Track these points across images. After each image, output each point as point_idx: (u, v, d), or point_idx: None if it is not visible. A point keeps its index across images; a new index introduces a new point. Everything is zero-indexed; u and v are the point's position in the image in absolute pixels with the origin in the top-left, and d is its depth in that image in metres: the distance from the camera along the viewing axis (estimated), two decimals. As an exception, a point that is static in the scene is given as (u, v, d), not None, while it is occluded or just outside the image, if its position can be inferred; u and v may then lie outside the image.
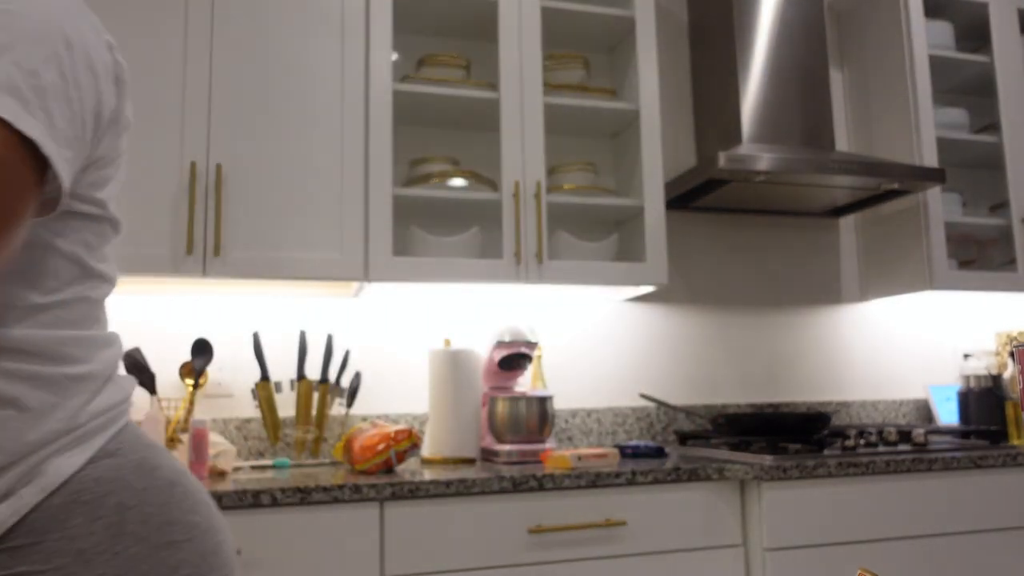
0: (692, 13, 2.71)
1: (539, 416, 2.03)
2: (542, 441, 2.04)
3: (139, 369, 1.94)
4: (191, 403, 2.01)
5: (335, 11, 2.07)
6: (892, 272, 2.63)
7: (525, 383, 2.33)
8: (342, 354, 2.26)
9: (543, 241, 2.11)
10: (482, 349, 2.31)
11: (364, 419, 2.26)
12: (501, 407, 2.03)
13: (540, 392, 2.07)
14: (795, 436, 2.04)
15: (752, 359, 2.64)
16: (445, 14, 2.33)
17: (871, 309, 2.79)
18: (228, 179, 1.94)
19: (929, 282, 2.46)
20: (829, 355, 2.72)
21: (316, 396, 2.18)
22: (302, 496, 1.58)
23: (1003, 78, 2.66)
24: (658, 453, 2.09)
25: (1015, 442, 2.21)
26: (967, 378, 2.42)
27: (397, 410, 2.31)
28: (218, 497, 1.53)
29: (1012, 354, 2.29)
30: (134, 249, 1.85)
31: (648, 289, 2.32)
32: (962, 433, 2.21)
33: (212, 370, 2.18)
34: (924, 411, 2.77)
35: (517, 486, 1.70)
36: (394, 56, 2.44)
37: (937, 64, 2.70)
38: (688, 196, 2.42)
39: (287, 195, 1.97)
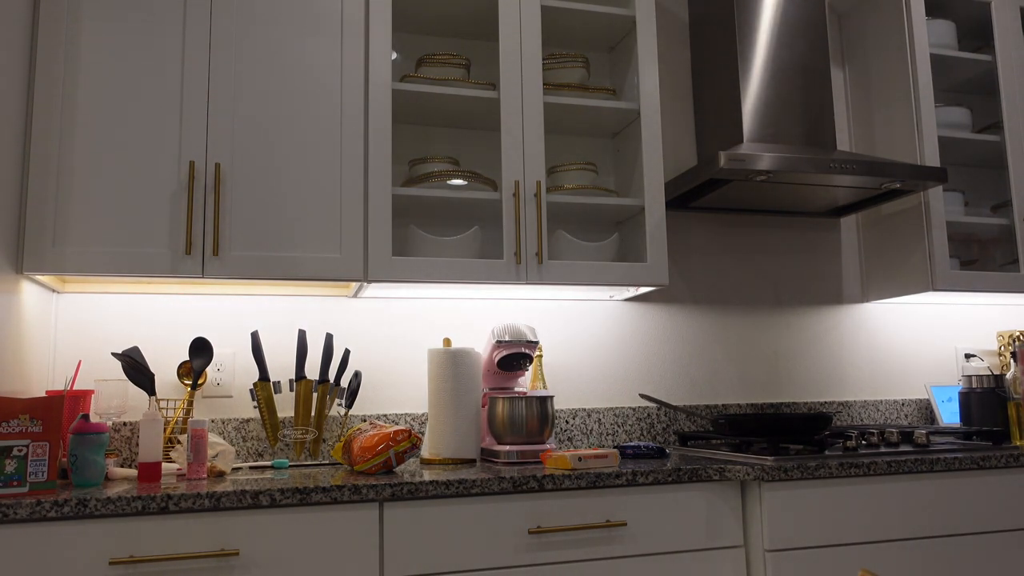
0: (692, 12, 2.70)
1: (539, 417, 2.02)
2: (542, 442, 2.04)
3: (137, 369, 1.93)
4: (190, 403, 2.01)
5: (334, 10, 2.06)
6: (894, 272, 2.62)
7: (525, 383, 2.32)
8: (341, 354, 2.25)
9: (543, 241, 2.11)
10: (482, 349, 2.30)
11: (363, 419, 2.25)
12: (501, 407, 2.03)
13: (540, 392, 2.06)
14: (796, 437, 2.03)
15: (753, 359, 2.63)
16: (445, 13, 2.32)
17: (872, 309, 2.78)
18: (227, 179, 1.93)
19: (931, 282, 2.45)
20: (830, 355, 2.71)
21: (315, 396, 2.18)
22: (301, 497, 1.57)
23: (1005, 77, 2.65)
24: (659, 454, 2.08)
25: (1017, 443, 2.20)
26: (969, 378, 2.41)
27: (397, 410, 2.30)
28: (217, 498, 1.53)
29: (1014, 354, 2.28)
30: (132, 249, 1.85)
31: (648, 289, 2.31)
32: (964, 434, 2.20)
33: (211, 370, 2.17)
34: (926, 412, 2.76)
35: (517, 487, 1.70)
36: (394, 55, 2.43)
37: (939, 63, 2.69)
38: (689, 196, 2.41)
39: (286, 195, 1.96)
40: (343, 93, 2.03)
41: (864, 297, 2.78)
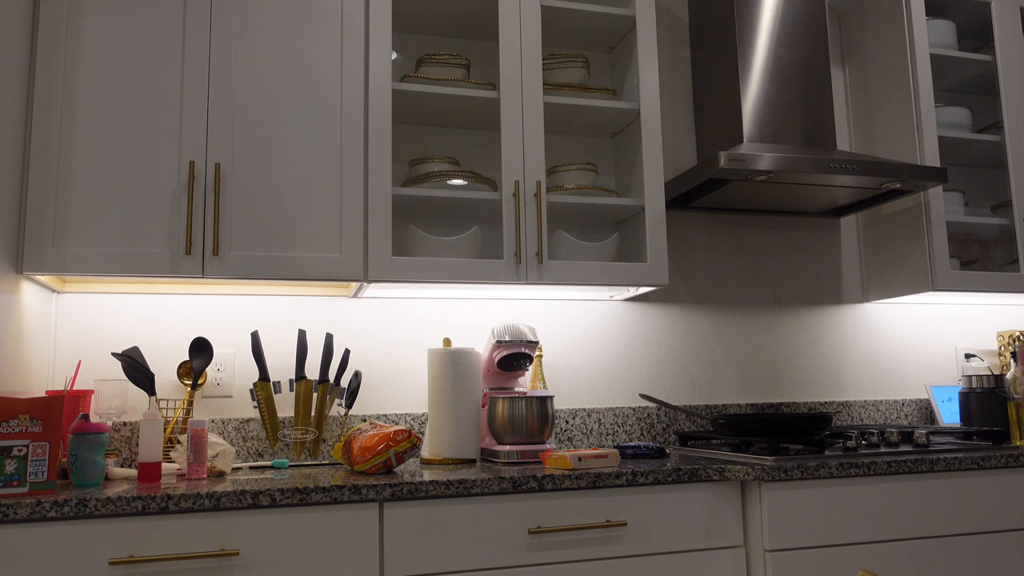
0: (692, 12, 2.70)
1: (539, 416, 2.02)
2: (542, 442, 2.04)
3: (137, 369, 1.93)
4: (190, 403, 2.01)
5: (335, 10, 2.06)
6: (894, 272, 2.62)
7: (525, 383, 2.32)
8: (341, 354, 2.25)
9: (543, 241, 2.11)
10: (482, 349, 2.30)
11: (363, 419, 2.25)
12: (501, 407, 2.03)
13: (540, 392, 2.06)
14: (796, 437, 2.03)
15: (753, 359, 2.63)
16: (445, 13, 2.32)
17: (872, 309, 2.78)
18: (227, 179, 1.93)
19: (931, 282, 2.45)
20: (830, 355, 2.71)
21: (315, 396, 2.18)
22: (301, 497, 1.57)
23: (1005, 77, 2.65)
24: (659, 454, 2.08)
25: (1017, 443, 2.20)
26: (969, 378, 2.41)
27: (397, 410, 2.30)
28: (217, 498, 1.53)
29: (1014, 354, 2.28)
30: (133, 249, 1.85)
31: (648, 289, 2.31)
32: (964, 434, 2.20)
33: (211, 370, 2.17)
34: (926, 412, 2.76)
35: (517, 487, 1.70)
36: (394, 55, 2.43)
37: (939, 63, 2.69)
38: (689, 196, 2.41)
39: (286, 195, 1.96)
40: (343, 93, 2.03)
41: (864, 297, 2.78)
